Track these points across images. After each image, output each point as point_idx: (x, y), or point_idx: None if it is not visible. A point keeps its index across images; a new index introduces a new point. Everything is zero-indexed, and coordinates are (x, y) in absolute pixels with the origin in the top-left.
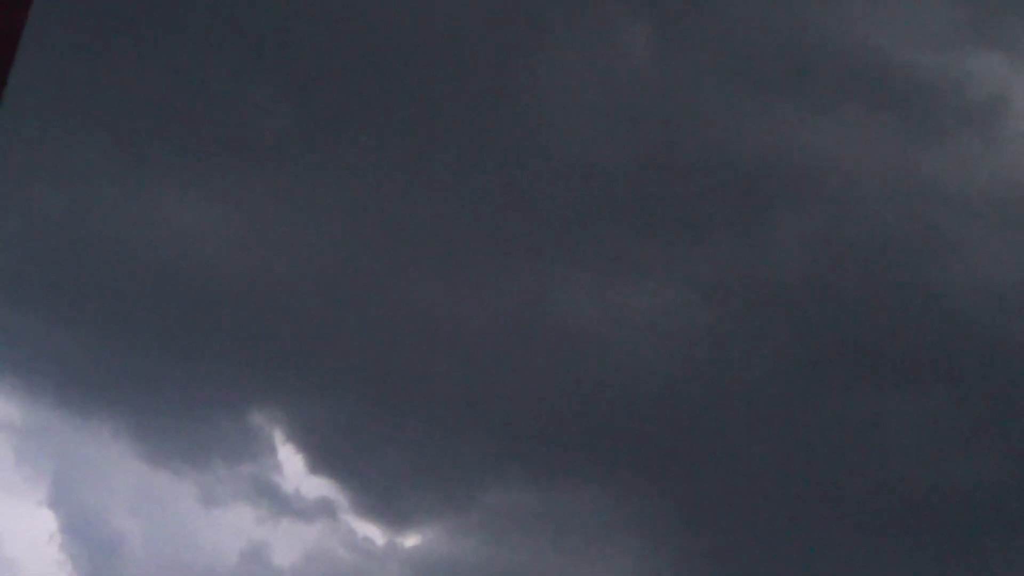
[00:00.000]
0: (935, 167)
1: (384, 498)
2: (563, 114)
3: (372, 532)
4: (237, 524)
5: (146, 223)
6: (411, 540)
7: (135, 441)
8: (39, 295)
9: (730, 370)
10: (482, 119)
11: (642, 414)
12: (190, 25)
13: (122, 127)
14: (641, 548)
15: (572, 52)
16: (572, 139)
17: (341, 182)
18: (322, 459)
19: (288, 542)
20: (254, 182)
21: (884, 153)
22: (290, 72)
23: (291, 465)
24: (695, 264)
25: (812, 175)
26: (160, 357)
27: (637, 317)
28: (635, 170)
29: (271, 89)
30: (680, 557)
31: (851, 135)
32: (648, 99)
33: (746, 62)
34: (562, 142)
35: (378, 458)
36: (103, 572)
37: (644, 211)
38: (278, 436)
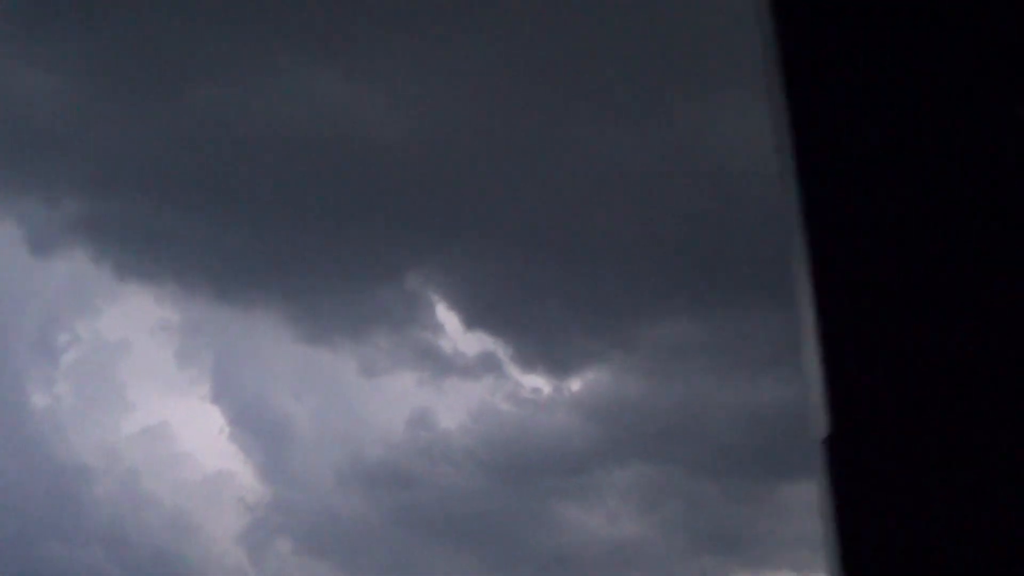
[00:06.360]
0: None
1: (545, 346)
2: None
3: (537, 382)
4: (401, 391)
5: (289, 104)
6: (575, 385)
7: (292, 325)
8: (190, 192)
9: None
10: None
11: None
12: None
13: (261, 13)
14: None
15: None
16: None
17: (485, 39)
18: (479, 314)
19: (453, 403)
20: (393, 52)
21: None
22: None
23: (449, 325)
24: None
25: None
26: (311, 238)
27: None
28: None
29: None
30: None
31: None
32: None
33: None
34: None
35: (536, 306)
36: (275, 457)
37: None
38: (434, 297)
